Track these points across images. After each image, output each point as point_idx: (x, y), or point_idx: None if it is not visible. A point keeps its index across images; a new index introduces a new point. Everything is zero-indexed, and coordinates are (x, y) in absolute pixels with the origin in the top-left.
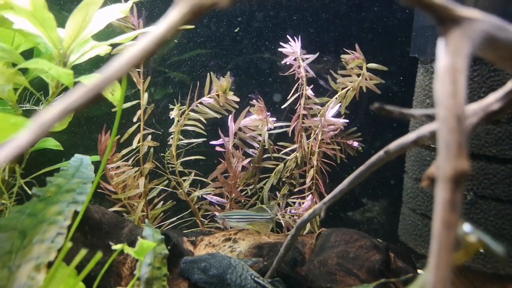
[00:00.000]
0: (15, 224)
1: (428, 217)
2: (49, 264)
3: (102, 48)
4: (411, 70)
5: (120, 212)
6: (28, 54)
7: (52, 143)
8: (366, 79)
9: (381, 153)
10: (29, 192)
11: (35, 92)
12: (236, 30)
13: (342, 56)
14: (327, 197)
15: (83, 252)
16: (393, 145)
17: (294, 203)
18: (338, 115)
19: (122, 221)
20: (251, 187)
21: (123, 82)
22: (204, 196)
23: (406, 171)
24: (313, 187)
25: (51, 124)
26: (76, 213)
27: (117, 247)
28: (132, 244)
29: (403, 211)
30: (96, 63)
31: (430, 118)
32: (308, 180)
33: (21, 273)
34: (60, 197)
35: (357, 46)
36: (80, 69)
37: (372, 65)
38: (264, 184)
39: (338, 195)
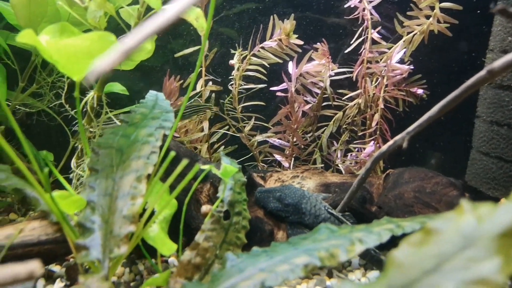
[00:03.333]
0: (111, 143)
1: (504, 159)
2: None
3: None
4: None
5: None
6: None
7: (119, 87)
8: (438, 21)
9: (482, 73)
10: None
11: (118, 21)
12: None
13: None
14: (412, 127)
15: (177, 170)
16: (499, 62)
17: (355, 148)
18: (401, 61)
19: (195, 154)
20: (309, 134)
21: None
22: (267, 139)
23: (478, 115)
24: (377, 132)
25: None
26: (164, 137)
27: (205, 167)
28: (205, 176)
29: (473, 156)
30: None
31: None
32: (373, 124)
33: (124, 183)
34: (147, 122)
35: None
36: None
37: (446, 4)
38: (323, 132)
39: (424, 124)
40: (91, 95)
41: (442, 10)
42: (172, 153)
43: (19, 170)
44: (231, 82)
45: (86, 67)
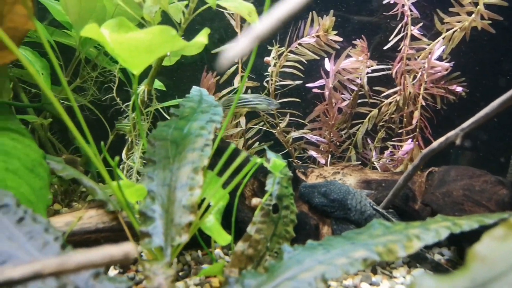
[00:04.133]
0: (165, 135)
1: None
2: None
3: None
4: None
5: None
6: None
7: (157, 84)
8: (482, 17)
9: None
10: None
11: (172, 18)
12: None
13: None
14: (467, 123)
15: (235, 164)
16: None
17: (392, 146)
18: (439, 58)
19: (237, 149)
20: (344, 131)
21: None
22: (303, 135)
23: None
24: (417, 130)
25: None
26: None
27: (256, 160)
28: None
29: None
30: None
31: None
32: (414, 121)
33: (181, 174)
34: (197, 116)
35: None
36: None
37: (491, 0)
38: (358, 129)
39: (481, 120)
40: (142, 89)
41: (486, 6)
42: (232, 146)
43: (71, 160)
44: (267, 78)
45: (146, 60)
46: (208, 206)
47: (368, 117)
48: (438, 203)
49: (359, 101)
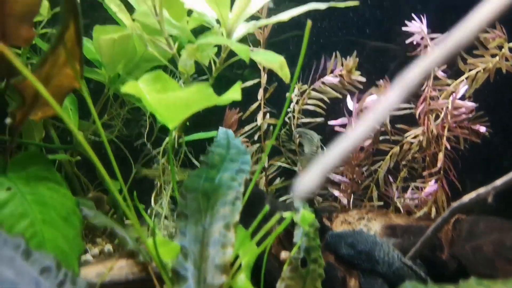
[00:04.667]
0: (196, 186)
1: None
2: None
3: (252, 25)
4: None
5: None
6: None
7: None
8: (507, 59)
9: None
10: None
11: (204, 68)
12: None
13: (480, 34)
14: (500, 180)
15: (269, 225)
16: None
17: (416, 187)
18: (462, 97)
19: (262, 192)
20: (365, 168)
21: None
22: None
23: None
24: (441, 172)
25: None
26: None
27: (286, 214)
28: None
29: None
30: None
31: None
32: (439, 163)
33: (214, 230)
34: (227, 165)
35: (497, 24)
36: None
37: None
38: (379, 167)
39: None
40: (173, 135)
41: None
42: (266, 208)
43: (98, 198)
44: (288, 115)
45: (182, 116)
46: (240, 264)
47: (389, 154)
48: (468, 258)
49: (381, 137)
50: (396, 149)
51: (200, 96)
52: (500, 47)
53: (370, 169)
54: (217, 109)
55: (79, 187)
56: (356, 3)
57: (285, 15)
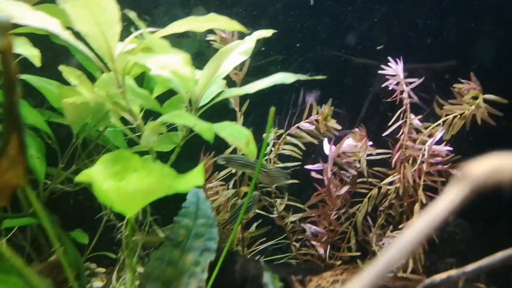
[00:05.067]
0: (158, 274)
1: None
2: None
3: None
4: None
5: None
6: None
7: None
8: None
9: None
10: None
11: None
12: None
13: (455, 85)
14: (471, 267)
15: None
16: None
17: (393, 237)
18: (439, 141)
19: (234, 254)
20: (342, 210)
21: None
22: (302, 225)
23: None
24: None
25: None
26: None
27: None
28: (244, 282)
29: None
30: None
31: None
32: (415, 216)
33: None
34: (192, 243)
35: (472, 75)
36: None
37: (489, 96)
38: (358, 210)
39: (484, 269)
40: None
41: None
42: None
43: (56, 265)
44: (266, 158)
45: (139, 206)
46: None
47: (368, 196)
48: None
49: (358, 179)
50: (375, 191)
51: (161, 186)
52: (475, 98)
53: (348, 211)
54: (193, 156)
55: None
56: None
57: (252, 88)
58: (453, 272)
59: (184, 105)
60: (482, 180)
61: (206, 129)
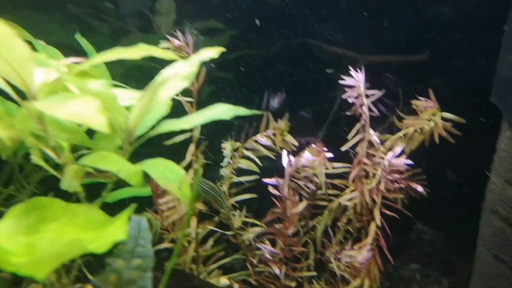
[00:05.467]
0: None
1: None
2: None
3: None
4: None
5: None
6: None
7: None
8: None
9: None
10: None
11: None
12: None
13: (413, 102)
14: None
15: None
16: None
17: (350, 254)
18: (399, 154)
19: (189, 278)
20: (301, 222)
21: None
22: (257, 245)
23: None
24: (374, 242)
25: None
26: None
27: None
28: None
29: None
30: None
31: None
32: (369, 238)
33: None
34: None
35: (431, 93)
36: None
37: (447, 114)
38: (318, 222)
39: None
40: None
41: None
42: None
43: None
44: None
45: (51, 267)
46: None
47: (327, 208)
48: None
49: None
50: (335, 203)
51: (74, 249)
52: (434, 114)
53: (308, 225)
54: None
55: None
56: None
57: (188, 123)
58: None
59: (119, 137)
60: None
61: (133, 174)
